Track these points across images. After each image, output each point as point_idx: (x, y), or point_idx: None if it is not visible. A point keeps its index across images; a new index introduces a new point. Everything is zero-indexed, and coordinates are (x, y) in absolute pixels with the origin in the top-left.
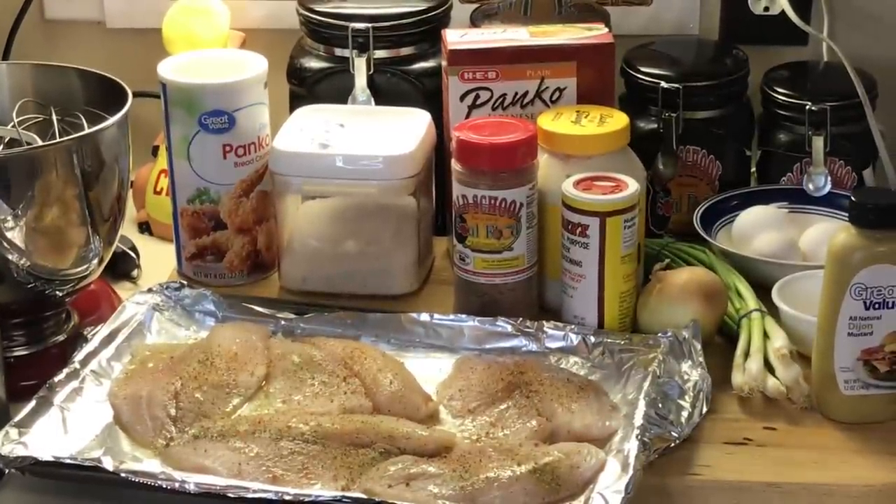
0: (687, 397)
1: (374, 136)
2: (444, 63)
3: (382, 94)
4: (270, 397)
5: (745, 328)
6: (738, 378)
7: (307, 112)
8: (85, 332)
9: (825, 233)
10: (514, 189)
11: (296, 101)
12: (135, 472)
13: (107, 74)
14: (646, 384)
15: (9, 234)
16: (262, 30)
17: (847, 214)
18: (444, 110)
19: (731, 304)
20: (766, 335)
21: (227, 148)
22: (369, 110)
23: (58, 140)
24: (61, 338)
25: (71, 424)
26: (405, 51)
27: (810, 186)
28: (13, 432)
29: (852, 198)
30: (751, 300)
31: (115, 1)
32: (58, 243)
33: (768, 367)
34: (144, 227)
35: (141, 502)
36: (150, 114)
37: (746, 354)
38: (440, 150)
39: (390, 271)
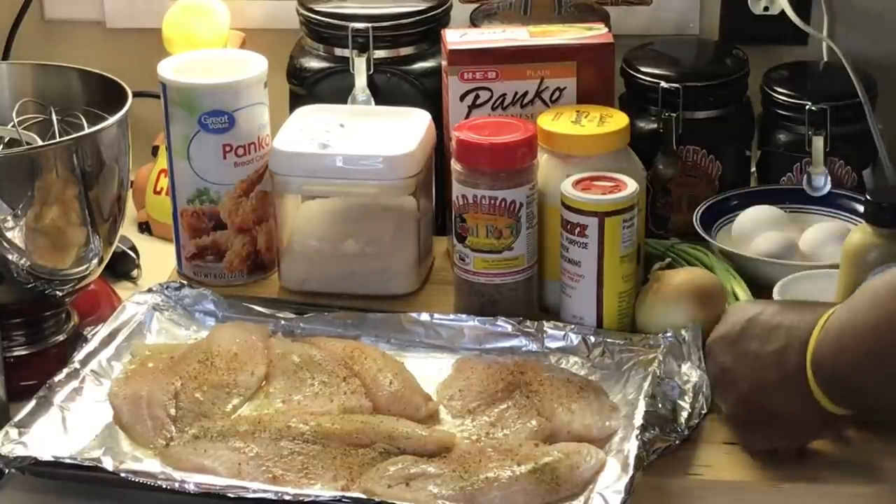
0: (687, 398)
1: (374, 136)
2: (444, 63)
3: (382, 94)
4: (270, 397)
5: None
6: None
7: (307, 112)
8: (85, 332)
9: (825, 233)
10: (514, 189)
11: (296, 101)
12: (135, 472)
13: (107, 74)
14: (646, 384)
15: (9, 234)
16: (262, 30)
17: (854, 214)
18: (444, 110)
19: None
20: None
21: (227, 148)
22: (369, 110)
23: (58, 140)
24: (61, 338)
25: (71, 424)
26: (405, 51)
27: (810, 186)
28: (13, 432)
29: (868, 197)
30: None
31: (115, 1)
32: (58, 243)
33: None
34: (144, 227)
35: (141, 502)
36: (150, 114)
37: None
38: (440, 150)
39: (390, 271)
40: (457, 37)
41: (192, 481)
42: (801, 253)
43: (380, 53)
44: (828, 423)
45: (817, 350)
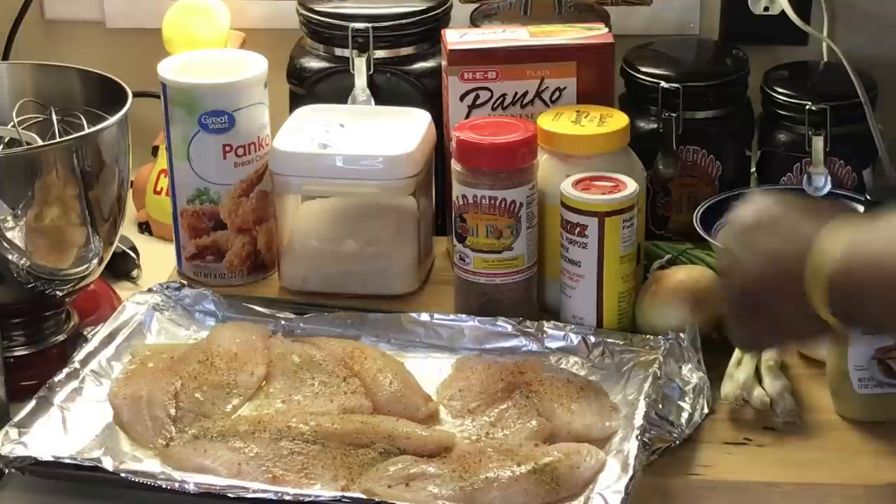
0: (687, 398)
1: (374, 136)
2: (444, 63)
3: (382, 94)
4: (270, 397)
5: None
6: (726, 387)
7: (307, 112)
8: (85, 332)
9: None
10: (514, 189)
11: (296, 101)
12: (135, 472)
13: (107, 74)
14: (646, 385)
15: (9, 234)
16: (262, 30)
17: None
18: (444, 110)
19: None
20: None
21: (227, 148)
22: (369, 110)
23: (58, 140)
24: (61, 338)
25: (71, 424)
26: (405, 51)
27: (810, 186)
28: (13, 432)
29: (868, 197)
30: None
31: (115, 1)
32: (58, 243)
33: (759, 376)
34: (144, 227)
35: (141, 502)
36: (150, 114)
37: (740, 363)
38: (440, 150)
39: (390, 271)
40: (457, 37)
41: (192, 481)
42: None
43: (380, 53)
44: (821, 331)
45: (830, 265)
